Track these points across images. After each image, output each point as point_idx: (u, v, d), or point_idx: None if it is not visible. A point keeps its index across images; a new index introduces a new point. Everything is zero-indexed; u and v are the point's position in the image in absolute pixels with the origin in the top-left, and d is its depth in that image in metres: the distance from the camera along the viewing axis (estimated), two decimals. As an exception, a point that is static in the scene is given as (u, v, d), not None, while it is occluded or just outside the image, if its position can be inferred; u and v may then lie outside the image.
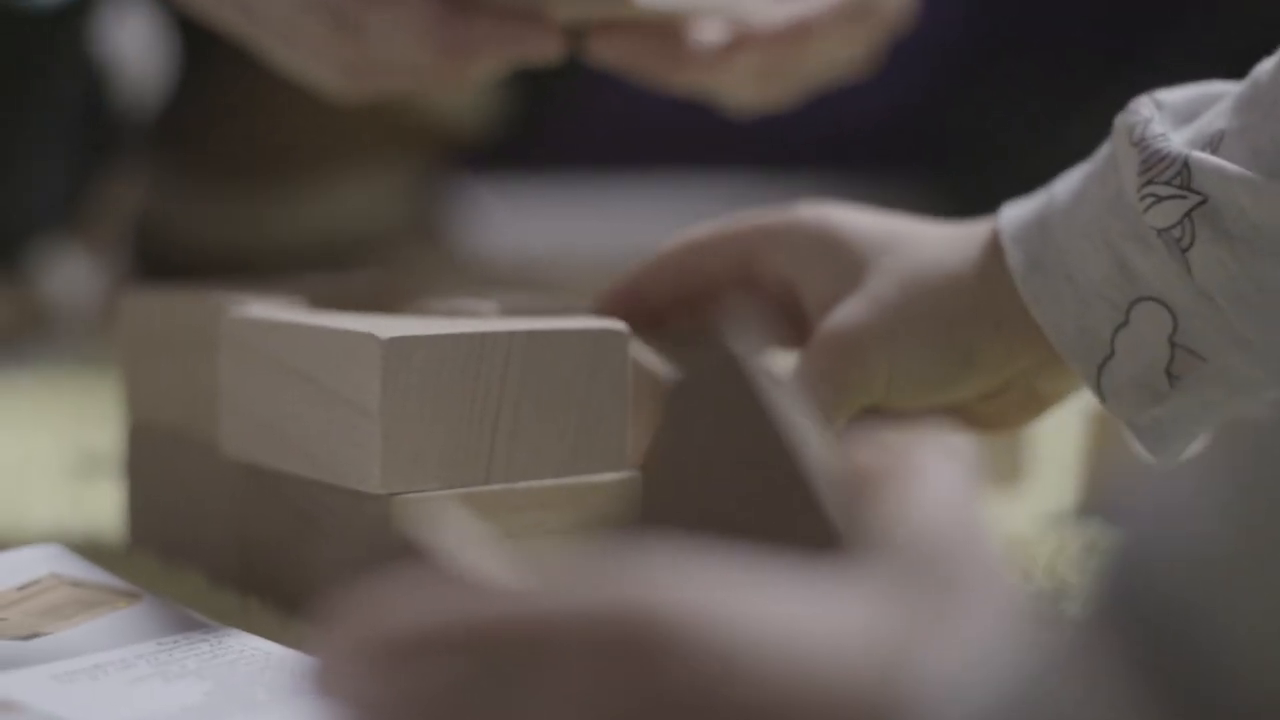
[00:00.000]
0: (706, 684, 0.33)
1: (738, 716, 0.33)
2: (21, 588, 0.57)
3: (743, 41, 0.75)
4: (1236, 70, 0.60)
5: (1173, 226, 0.58)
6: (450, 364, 0.58)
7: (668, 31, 0.74)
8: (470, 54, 0.70)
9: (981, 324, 0.62)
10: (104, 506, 0.76)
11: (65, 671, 0.51)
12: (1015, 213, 0.63)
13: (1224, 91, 0.60)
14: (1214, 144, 0.58)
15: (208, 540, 0.66)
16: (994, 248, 0.62)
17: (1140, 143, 0.58)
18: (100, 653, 0.52)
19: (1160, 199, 0.58)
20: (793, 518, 0.38)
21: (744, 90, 0.78)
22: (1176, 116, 0.60)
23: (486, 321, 0.62)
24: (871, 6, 0.77)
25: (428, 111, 1.37)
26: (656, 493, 0.39)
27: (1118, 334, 0.60)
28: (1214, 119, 0.59)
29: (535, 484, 0.60)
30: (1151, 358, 0.59)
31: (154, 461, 0.69)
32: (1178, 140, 0.58)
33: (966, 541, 0.37)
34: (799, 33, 0.75)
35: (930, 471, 0.39)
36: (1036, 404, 0.66)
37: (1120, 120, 0.60)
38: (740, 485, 0.38)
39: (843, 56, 0.78)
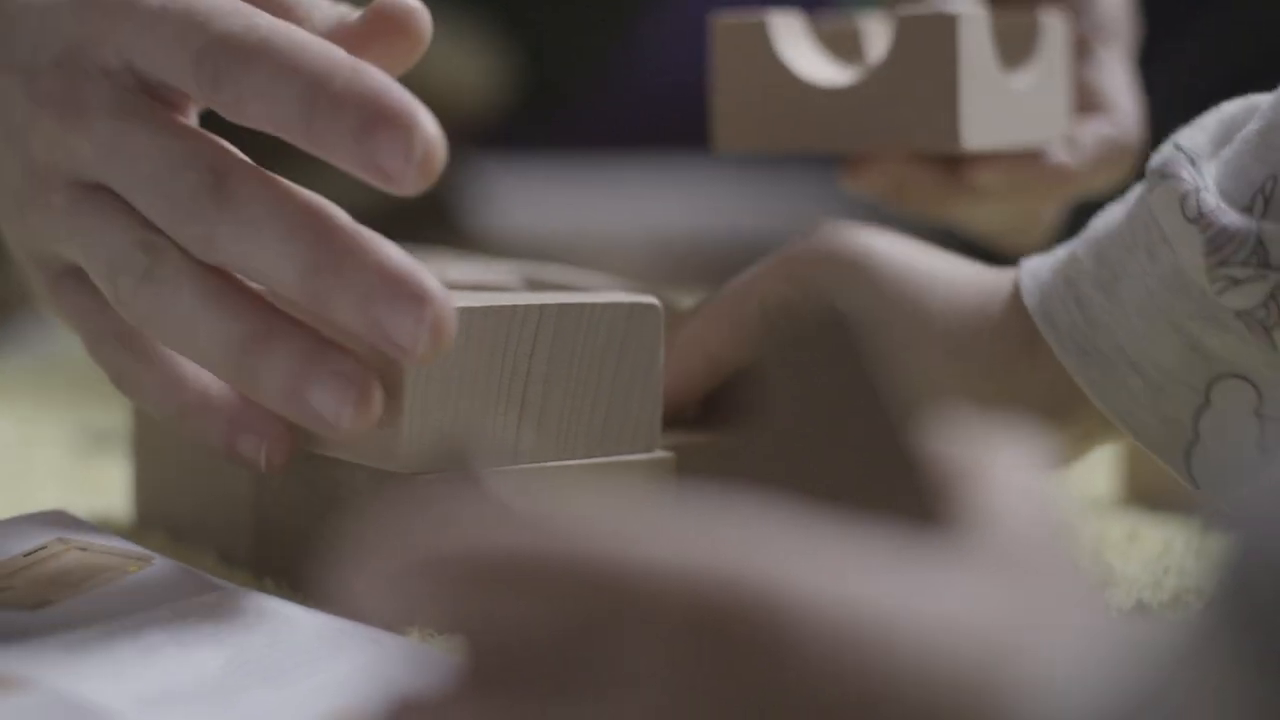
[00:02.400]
0: (810, 670, 0.32)
1: (841, 706, 0.32)
2: (27, 554, 0.55)
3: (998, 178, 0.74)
4: (1250, 68, 0.58)
5: (1255, 308, 0.54)
6: (478, 338, 0.56)
7: (931, 163, 0.73)
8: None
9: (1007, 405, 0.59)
10: (110, 486, 0.74)
11: (76, 642, 0.48)
12: (1036, 276, 0.59)
13: (1235, 115, 0.57)
14: (1265, 192, 0.54)
15: (220, 520, 0.63)
16: (1021, 326, 0.59)
17: (1199, 220, 0.55)
18: (112, 620, 0.50)
19: (1238, 281, 0.54)
20: (889, 493, 0.36)
21: (996, 225, 0.78)
22: (1206, 159, 0.56)
23: (515, 295, 0.60)
24: (1124, 148, 0.76)
25: (434, 90, 1.35)
26: (752, 451, 0.38)
27: (1200, 417, 0.56)
28: (1248, 160, 0.55)
29: (564, 464, 0.58)
30: (1241, 437, 0.56)
31: (162, 438, 0.67)
32: (1233, 211, 0.55)
33: (1053, 538, 0.36)
34: (1057, 177, 0.74)
35: (1010, 467, 0.37)
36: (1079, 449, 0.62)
37: (1160, 187, 0.56)
38: (837, 452, 0.37)
39: (1094, 189, 0.77)
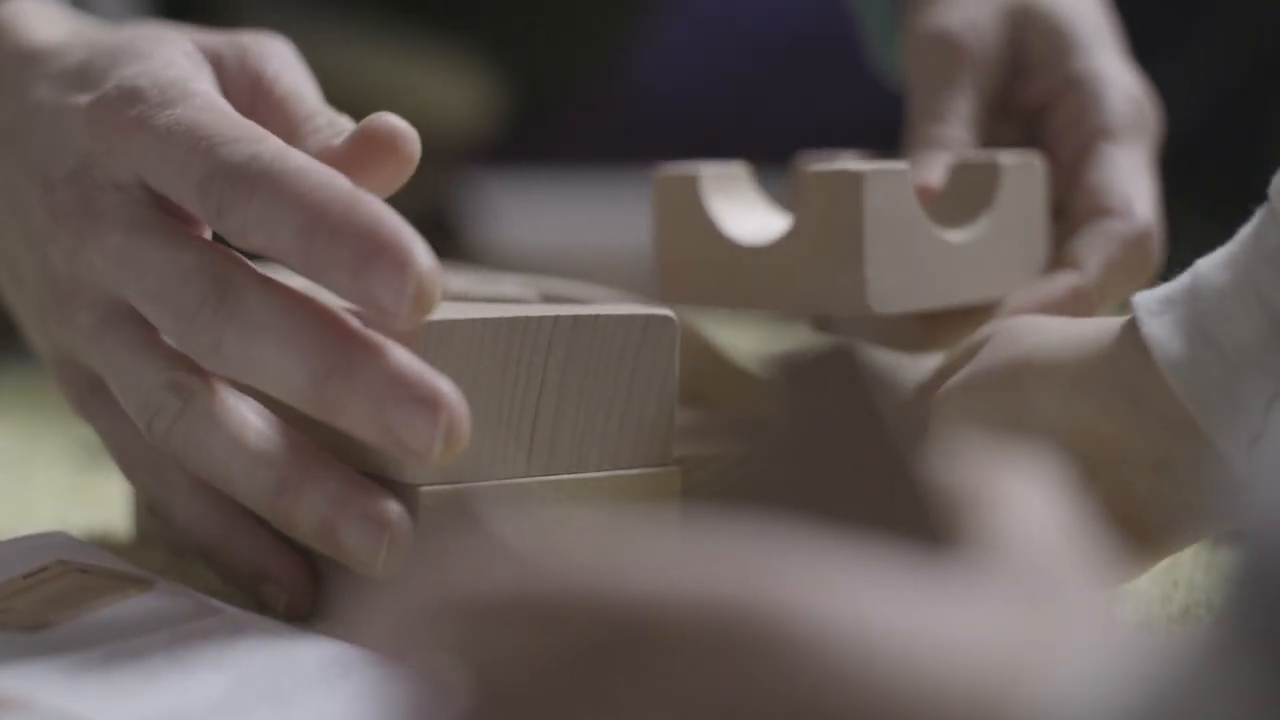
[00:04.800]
0: (823, 692, 0.31)
1: None
2: (27, 576, 0.54)
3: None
4: (1256, 65, 0.56)
5: None
6: (491, 349, 0.55)
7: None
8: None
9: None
10: (109, 501, 0.73)
11: (75, 664, 0.48)
12: (1152, 291, 0.55)
13: None
14: None
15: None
16: (1126, 332, 0.55)
17: None
18: (112, 643, 0.50)
19: None
20: (897, 516, 0.36)
21: None
22: None
23: (529, 306, 0.59)
24: (1146, 253, 0.70)
25: (430, 107, 1.34)
26: (759, 472, 0.37)
27: (1272, 407, 0.52)
28: None
29: (576, 477, 0.57)
30: None
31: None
32: None
33: (1064, 557, 0.36)
34: (1077, 303, 0.68)
35: (1019, 488, 0.37)
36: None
37: (1277, 185, 0.53)
38: (842, 477, 0.37)
39: (1117, 298, 0.71)
